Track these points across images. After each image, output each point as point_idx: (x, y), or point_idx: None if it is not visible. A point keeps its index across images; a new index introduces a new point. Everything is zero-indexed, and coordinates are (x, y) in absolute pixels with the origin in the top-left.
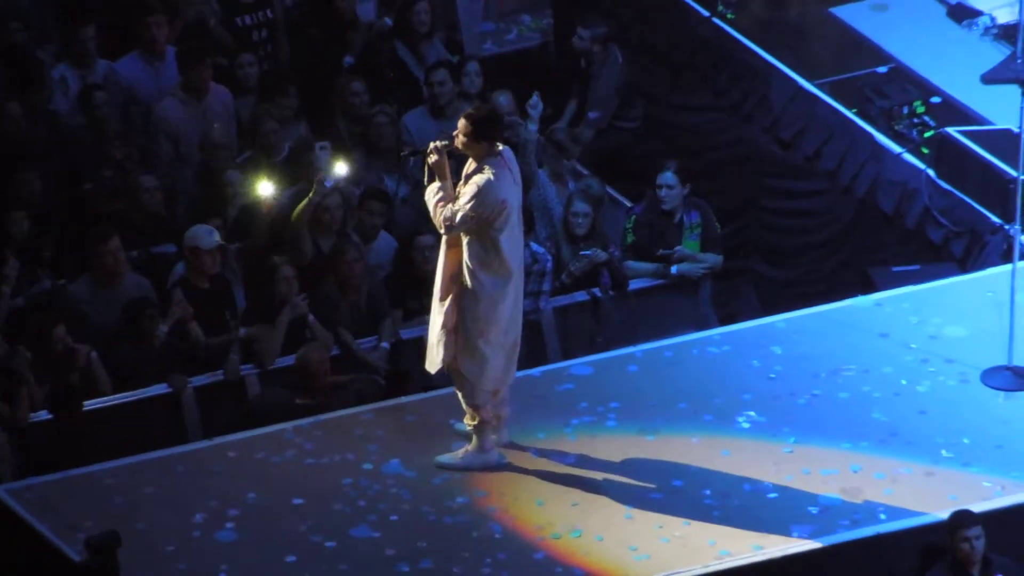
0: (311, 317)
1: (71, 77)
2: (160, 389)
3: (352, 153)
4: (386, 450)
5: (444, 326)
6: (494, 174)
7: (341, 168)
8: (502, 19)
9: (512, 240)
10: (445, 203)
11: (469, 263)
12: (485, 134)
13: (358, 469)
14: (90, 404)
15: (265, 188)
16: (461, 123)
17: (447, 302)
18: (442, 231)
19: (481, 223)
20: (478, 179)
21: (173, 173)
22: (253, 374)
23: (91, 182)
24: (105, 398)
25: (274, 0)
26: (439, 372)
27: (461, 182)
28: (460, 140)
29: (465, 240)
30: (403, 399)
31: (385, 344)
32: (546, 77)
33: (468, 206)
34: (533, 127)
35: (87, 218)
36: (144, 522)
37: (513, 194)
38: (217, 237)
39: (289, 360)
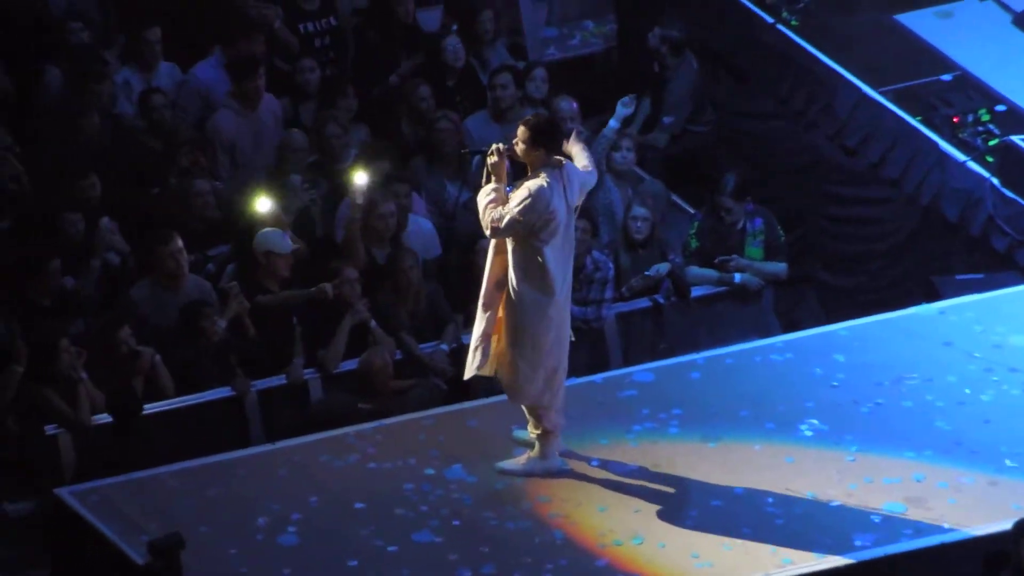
0: (373, 322)
1: (135, 81)
2: (223, 392)
3: (414, 157)
4: (448, 455)
5: (485, 333)
6: (547, 183)
7: (360, 178)
8: (565, 24)
9: (558, 258)
10: (495, 205)
11: (513, 272)
12: (542, 142)
13: (420, 474)
14: (153, 407)
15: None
16: (519, 129)
17: (490, 310)
18: (488, 233)
19: (527, 230)
20: (530, 184)
21: (235, 182)
22: (316, 378)
23: (156, 187)
24: (168, 401)
25: (338, 7)
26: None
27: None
28: (519, 147)
29: (510, 247)
30: (465, 404)
31: (444, 347)
32: (610, 82)
33: (516, 210)
34: (614, 123)
35: (152, 222)
36: (207, 525)
37: (563, 208)
38: (291, 241)
39: (352, 364)
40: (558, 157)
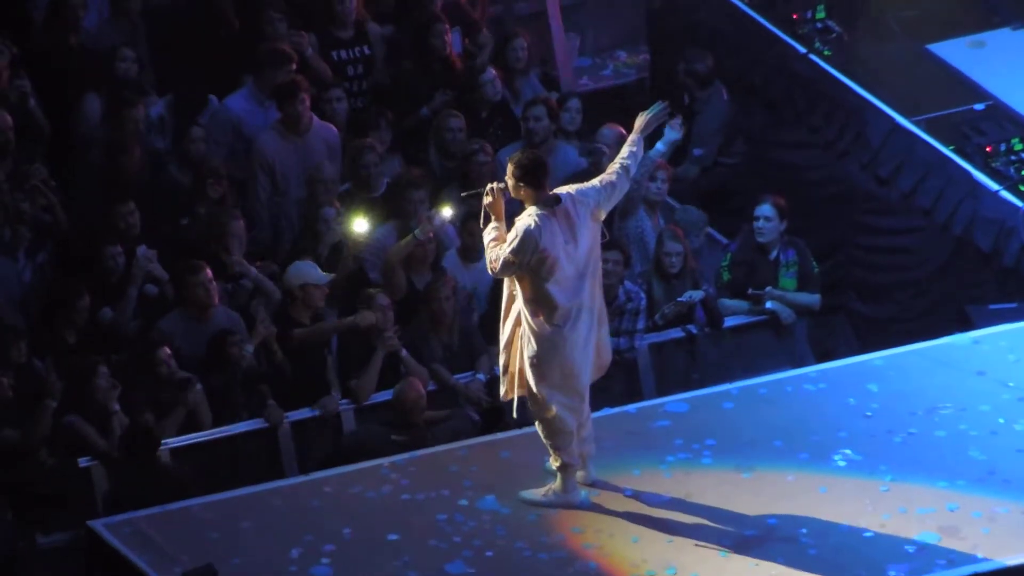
0: (404, 352)
1: (169, 117)
2: (257, 424)
3: (445, 188)
4: (481, 486)
5: (503, 350)
6: (535, 222)
7: (447, 211)
8: (598, 55)
9: (567, 290)
10: (496, 244)
11: (524, 308)
12: (527, 180)
13: (453, 505)
14: (190, 438)
15: (360, 225)
16: (508, 167)
17: (506, 329)
18: (491, 273)
19: (524, 269)
20: (519, 225)
21: (275, 208)
22: (349, 410)
23: (187, 217)
24: (202, 433)
25: (371, 37)
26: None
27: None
28: (509, 184)
29: (517, 284)
30: (498, 435)
31: (481, 376)
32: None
33: (508, 251)
34: (661, 147)
35: (183, 253)
36: (240, 556)
37: (558, 244)
38: (323, 272)
39: (385, 395)
40: (553, 193)
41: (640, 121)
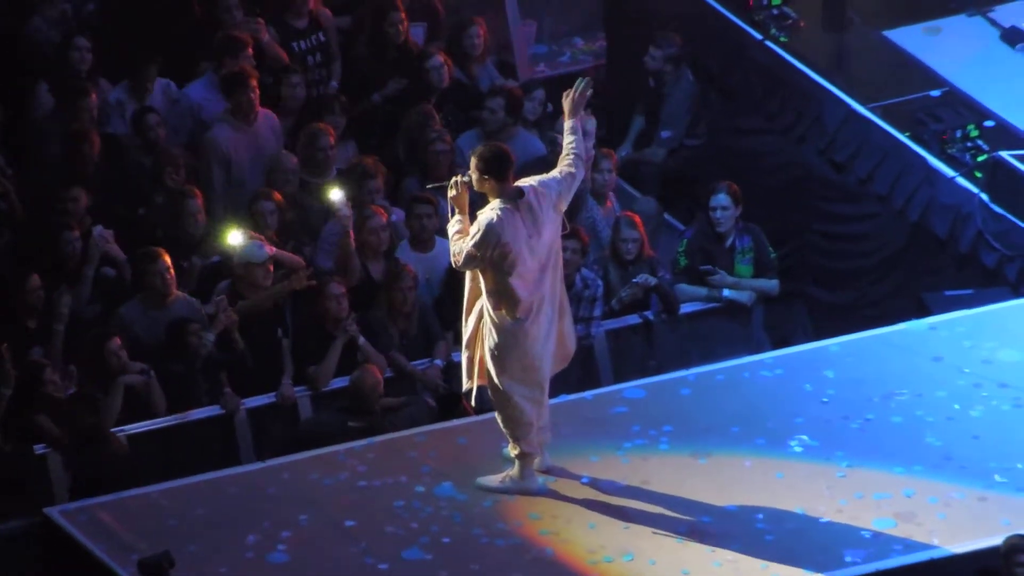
0: (362, 339)
1: (127, 101)
2: (213, 411)
3: (407, 177)
4: (438, 472)
5: (467, 346)
6: (498, 215)
7: (336, 194)
8: (555, 42)
9: (528, 283)
10: (460, 237)
11: (487, 300)
12: (490, 172)
13: (410, 491)
14: (144, 425)
15: (234, 237)
16: (471, 161)
17: (470, 324)
18: (455, 265)
19: (486, 263)
20: (481, 219)
21: (227, 198)
22: (305, 396)
23: (144, 207)
24: (157, 420)
25: (323, 22)
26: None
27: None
28: (473, 177)
29: (481, 276)
30: (455, 422)
31: (439, 362)
32: (599, 99)
33: (470, 245)
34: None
35: (141, 241)
36: (197, 543)
37: (520, 238)
38: (267, 250)
39: (342, 382)
40: (516, 185)
41: (568, 104)
